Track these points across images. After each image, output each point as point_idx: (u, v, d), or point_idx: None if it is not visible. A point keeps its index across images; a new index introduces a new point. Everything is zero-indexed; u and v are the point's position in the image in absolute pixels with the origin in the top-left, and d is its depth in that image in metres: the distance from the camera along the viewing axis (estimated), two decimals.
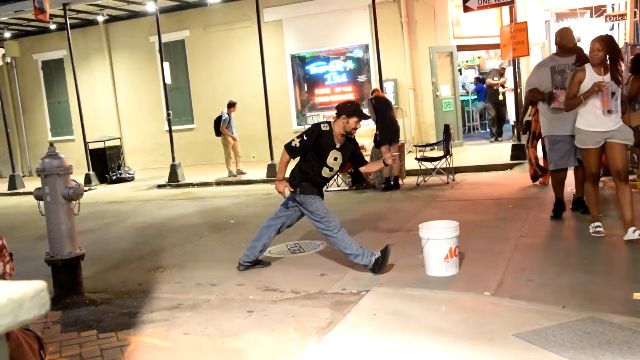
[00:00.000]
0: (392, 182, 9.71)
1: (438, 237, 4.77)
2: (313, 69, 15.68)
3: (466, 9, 11.42)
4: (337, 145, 5.16)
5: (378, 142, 9.50)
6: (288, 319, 3.98)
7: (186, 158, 15.12)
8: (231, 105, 13.21)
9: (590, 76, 5.23)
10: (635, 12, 12.89)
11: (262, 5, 13.46)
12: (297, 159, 5.28)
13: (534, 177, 8.76)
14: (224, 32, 16.16)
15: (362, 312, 3.94)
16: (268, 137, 12.92)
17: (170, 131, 13.98)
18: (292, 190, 5.19)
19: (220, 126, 13.17)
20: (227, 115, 13.14)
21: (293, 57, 15.73)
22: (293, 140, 5.20)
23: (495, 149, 13.56)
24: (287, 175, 5.34)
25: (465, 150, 13.63)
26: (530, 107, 9.76)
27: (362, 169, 5.54)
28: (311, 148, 5.12)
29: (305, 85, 15.87)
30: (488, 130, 15.77)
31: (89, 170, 14.79)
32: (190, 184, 13.27)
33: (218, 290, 4.99)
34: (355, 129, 5.17)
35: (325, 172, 5.20)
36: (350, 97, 15.08)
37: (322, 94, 15.65)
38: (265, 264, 5.64)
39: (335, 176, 7.47)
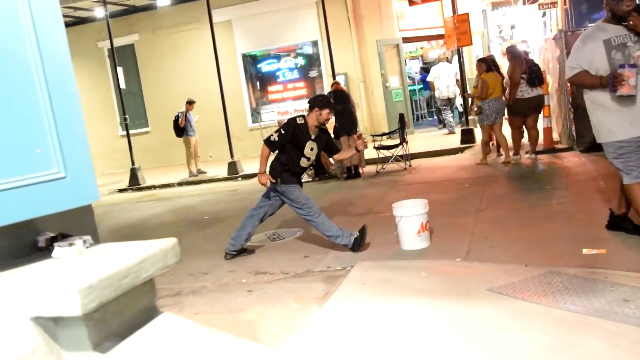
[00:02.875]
0: (353, 171, 10.24)
1: (410, 214, 5.30)
2: (265, 66, 16.07)
3: (411, 2, 12.06)
4: (313, 137, 5.62)
5: (337, 133, 10.00)
6: (286, 294, 4.42)
7: (143, 161, 15.20)
8: (189, 104, 13.44)
9: None
10: (565, 0, 13.82)
11: (211, 6, 13.73)
12: (276, 152, 5.72)
13: None
14: (174, 35, 16.34)
15: (353, 283, 4.41)
16: (227, 136, 13.24)
17: (128, 135, 14.12)
18: (274, 181, 5.62)
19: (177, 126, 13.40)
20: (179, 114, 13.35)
21: (244, 56, 16.08)
22: (272, 135, 5.62)
23: (445, 134, 14.27)
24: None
25: (416, 137, 14.30)
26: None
27: (336, 157, 6.02)
28: (289, 141, 5.56)
29: (258, 83, 16.25)
30: (436, 117, 16.50)
31: None
32: (152, 186, 13.46)
33: (211, 278, 5.36)
34: (328, 119, 5.65)
35: (303, 162, 5.65)
36: (303, 92, 15.59)
37: (275, 91, 16.07)
38: (250, 251, 6.05)
39: None
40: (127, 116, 14.18)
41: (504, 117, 9.83)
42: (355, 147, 5.83)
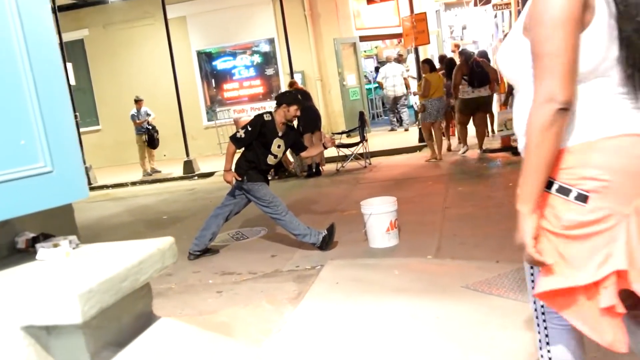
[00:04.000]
0: (314, 170, 10.16)
1: (379, 212, 5.26)
2: (220, 64, 15.83)
3: (369, 1, 12.04)
4: (280, 134, 5.51)
5: (300, 131, 9.89)
6: (257, 295, 4.30)
7: (94, 160, 14.69)
8: (136, 102, 13.06)
9: None
10: (518, 2, 14.04)
11: (166, 1, 13.41)
12: (242, 149, 5.59)
13: None
14: (126, 30, 15.91)
15: (325, 282, 4.33)
16: (183, 134, 12.97)
17: (78, 133, 13.63)
18: (239, 179, 5.48)
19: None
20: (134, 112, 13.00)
21: (199, 53, 15.79)
22: (238, 131, 5.49)
23: (401, 133, 14.36)
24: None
25: (374, 136, 14.33)
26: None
27: (304, 154, 5.93)
28: (256, 138, 5.44)
29: (213, 80, 15.99)
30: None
31: None
32: (104, 185, 13.05)
33: (176, 279, 5.18)
34: (296, 116, 5.55)
35: (270, 159, 5.54)
36: (259, 90, 15.43)
37: (230, 89, 15.85)
38: (214, 251, 5.89)
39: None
40: (77, 114, 13.67)
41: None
42: (323, 144, 5.74)
